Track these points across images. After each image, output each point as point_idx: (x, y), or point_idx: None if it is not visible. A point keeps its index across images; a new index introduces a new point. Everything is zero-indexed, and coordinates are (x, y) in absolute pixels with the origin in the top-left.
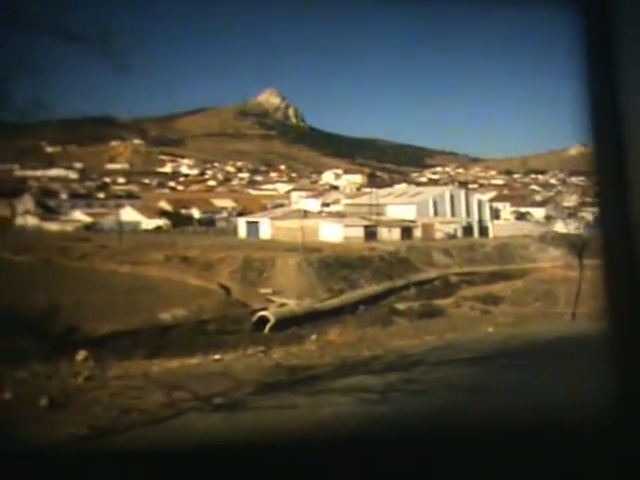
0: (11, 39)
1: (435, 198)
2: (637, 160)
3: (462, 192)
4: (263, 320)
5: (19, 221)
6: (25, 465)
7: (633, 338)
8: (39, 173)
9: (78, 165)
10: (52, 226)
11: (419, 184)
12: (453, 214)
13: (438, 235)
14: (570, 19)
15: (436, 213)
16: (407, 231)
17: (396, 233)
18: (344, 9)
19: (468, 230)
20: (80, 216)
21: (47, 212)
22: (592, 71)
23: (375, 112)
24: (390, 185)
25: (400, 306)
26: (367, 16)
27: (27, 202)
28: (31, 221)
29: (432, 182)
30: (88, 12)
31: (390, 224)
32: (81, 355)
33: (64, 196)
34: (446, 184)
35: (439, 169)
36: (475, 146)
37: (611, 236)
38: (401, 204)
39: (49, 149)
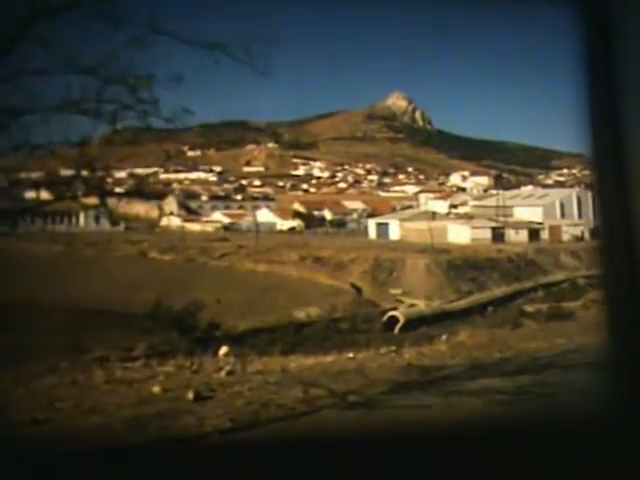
0: (157, 48)
1: (562, 200)
2: (637, 161)
3: (589, 194)
4: (393, 320)
5: (164, 222)
6: (177, 454)
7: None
8: (182, 176)
9: (217, 168)
10: (194, 226)
11: (545, 186)
12: (580, 216)
13: (565, 237)
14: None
15: (563, 215)
16: (534, 233)
17: (523, 235)
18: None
19: (595, 232)
20: (219, 217)
21: (189, 213)
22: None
23: (503, 114)
24: (517, 187)
25: (529, 308)
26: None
27: (171, 204)
28: (175, 222)
29: (558, 184)
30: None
31: (517, 226)
32: (223, 350)
33: (204, 198)
34: (572, 186)
35: (565, 171)
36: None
37: (610, 242)
38: (528, 206)
39: (190, 153)
